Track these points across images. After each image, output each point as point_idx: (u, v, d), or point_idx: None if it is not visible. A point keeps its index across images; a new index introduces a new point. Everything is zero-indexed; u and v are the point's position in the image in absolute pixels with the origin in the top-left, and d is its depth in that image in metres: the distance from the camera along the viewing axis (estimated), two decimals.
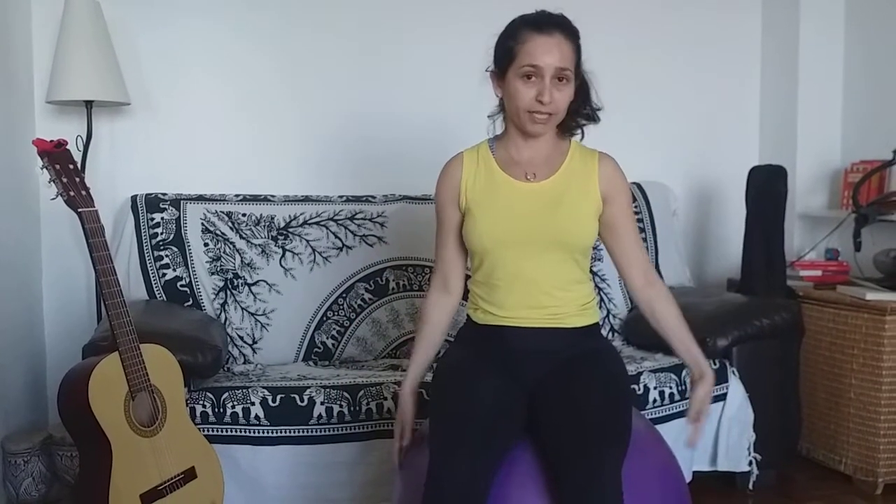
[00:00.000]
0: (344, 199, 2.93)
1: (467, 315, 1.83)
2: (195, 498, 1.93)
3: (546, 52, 1.62)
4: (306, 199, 2.89)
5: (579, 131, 1.80)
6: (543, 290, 1.71)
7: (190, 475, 1.92)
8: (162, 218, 2.71)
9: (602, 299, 2.94)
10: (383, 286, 2.82)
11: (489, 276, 1.74)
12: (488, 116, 1.82)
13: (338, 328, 2.78)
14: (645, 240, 3.06)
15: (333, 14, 3.05)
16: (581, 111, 1.76)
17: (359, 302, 2.80)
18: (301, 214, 2.83)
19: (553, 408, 1.61)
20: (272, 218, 2.80)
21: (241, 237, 2.75)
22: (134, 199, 2.74)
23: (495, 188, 1.73)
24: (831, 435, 2.80)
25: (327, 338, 2.76)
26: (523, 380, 1.68)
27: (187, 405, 2.13)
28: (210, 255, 2.71)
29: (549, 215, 1.70)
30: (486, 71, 1.74)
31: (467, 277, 1.85)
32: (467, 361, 1.72)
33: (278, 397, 2.24)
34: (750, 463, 2.60)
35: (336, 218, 2.85)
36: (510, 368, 1.69)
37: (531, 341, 1.72)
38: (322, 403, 2.24)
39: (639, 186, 3.13)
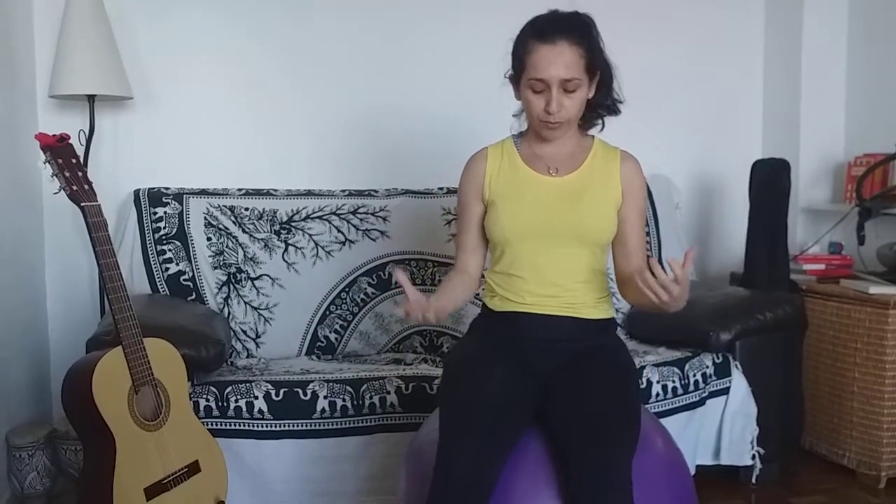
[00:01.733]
0: (346, 193, 2.92)
1: (482, 304, 1.84)
2: (199, 492, 1.93)
3: (550, 64, 1.62)
4: (309, 194, 2.89)
5: (600, 122, 1.81)
6: (561, 283, 1.73)
7: (194, 469, 1.92)
8: (165, 212, 2.71)
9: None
10: (386, 280, 2.82)
11: (509, 268, 1.76)
12: (513, 115, 1.84)
13: (341, 322, 2.78)
14: (648, 233, 3.06)
15: (336, 8, 3.04)
16: (603, 103, 1.77)
17: (361, 296, 2.80)
18: (304, 209, 2.83)
19: (565, 399, 1.61)
20: (275, 212, 2.80)
21: (243, 231, 2.75)
22: (137, 193, 2.74)
23: (518, 181, 1.76)
24: (834, 429, 2.80)
25: (330, 332, 2.77)
26: (535, 370, 1.69)
27: (191, 399, 2.14)
28: (213, 249, 2.71)
29: (570, 209, 1.71)
30: (505, 76, 1.76)
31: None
32: (477, 352, 1.73)
33: (281, 391, 2.24)
34: (753, 457, 2.60)
35: (339, 212, 2.85)
36: (522, 357, 1.70)
37: (546, 329, 1.73)
38: (325, 397, 2.25)
39: None
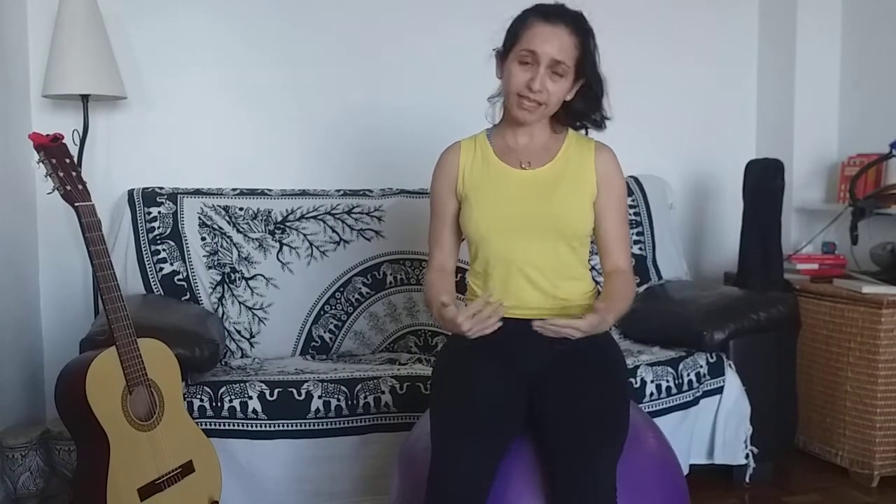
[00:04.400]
0: (341, 192, 2.92)
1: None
2: (193, 492, 1.93)
3: (545, 41, 1.64)
4: (303, 194, 2.89)
5: (582, 132, 1.82)
6: (541, 278, 1.71)
7: (188, 469, 1.92)
8: (159, 212, 2.70)
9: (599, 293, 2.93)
10: (381, 280, 2.83)
11: (486, 265, 1.75)
12: (488, 99, 1.83)
13: (335, 322, 2.78)
14: (642, 233, 3.07)
15: (329, 7, 3.04)
16: (589, 115, 1.77)
17: (356, 296, 2.80)
18: (298, 208, 2.83)
19: (551, 400, 1.61)
20: (269, 212, 2.80)
21: (238, 231, 2.75)
22: (131, 193, 2.74)
23: (491, 175, 1.75)
24: (827, 428, 2.81)
25: (325, 332, 2.77)
26: (523, 371, 1.69)
27: (185, 399, 2.14)
28: (207, 249, 2.71)
29: (543, 202, 1.71)
30: (493, 51, 1.75)
31: (463, 271, 1.85)
32: (467, 353, 1.72)
33: (276, 391, 2.24)
34: (747, 456, 2.60)
35: (333, 212, 2.85)
36: (510, 359, 1.69)
37: (532, 334, 1.71)
38: (319, 397, 2.25)
39: (636, 180, 3.13)
